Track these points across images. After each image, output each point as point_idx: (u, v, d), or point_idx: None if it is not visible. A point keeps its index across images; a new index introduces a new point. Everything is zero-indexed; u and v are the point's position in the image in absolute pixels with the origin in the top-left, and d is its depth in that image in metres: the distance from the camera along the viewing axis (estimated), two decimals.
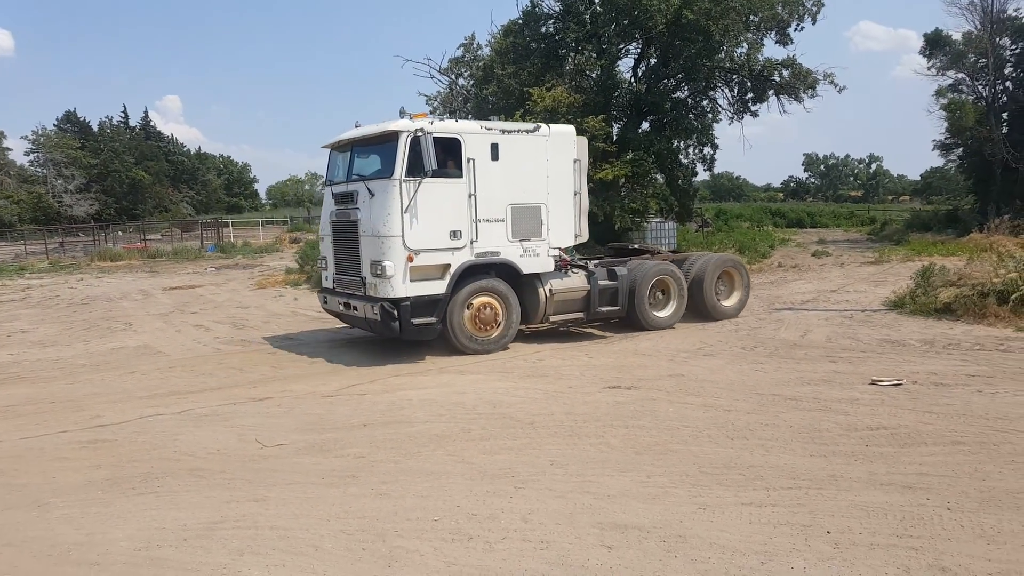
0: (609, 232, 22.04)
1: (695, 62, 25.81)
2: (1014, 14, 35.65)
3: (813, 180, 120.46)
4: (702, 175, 32.52)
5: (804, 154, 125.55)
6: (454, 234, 10.78)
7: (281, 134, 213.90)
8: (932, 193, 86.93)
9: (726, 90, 28.82)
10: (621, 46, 26.78)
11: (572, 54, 26.49)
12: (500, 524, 4.97)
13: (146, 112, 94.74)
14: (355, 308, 11.08)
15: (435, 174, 10.40)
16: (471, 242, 10.95)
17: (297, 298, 19.08)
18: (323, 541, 4.82)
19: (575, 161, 12.23)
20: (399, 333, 10.57)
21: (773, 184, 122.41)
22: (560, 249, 12.05)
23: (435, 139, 10.37)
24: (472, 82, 30.30)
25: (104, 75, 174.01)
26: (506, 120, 19.20)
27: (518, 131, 11.58)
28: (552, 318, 11.97)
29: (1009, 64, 36.24)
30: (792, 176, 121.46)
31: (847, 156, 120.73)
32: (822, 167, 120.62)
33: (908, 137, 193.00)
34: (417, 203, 10.41)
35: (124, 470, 6.37)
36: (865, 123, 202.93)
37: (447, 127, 10.87)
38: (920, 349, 10.53)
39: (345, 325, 12.93)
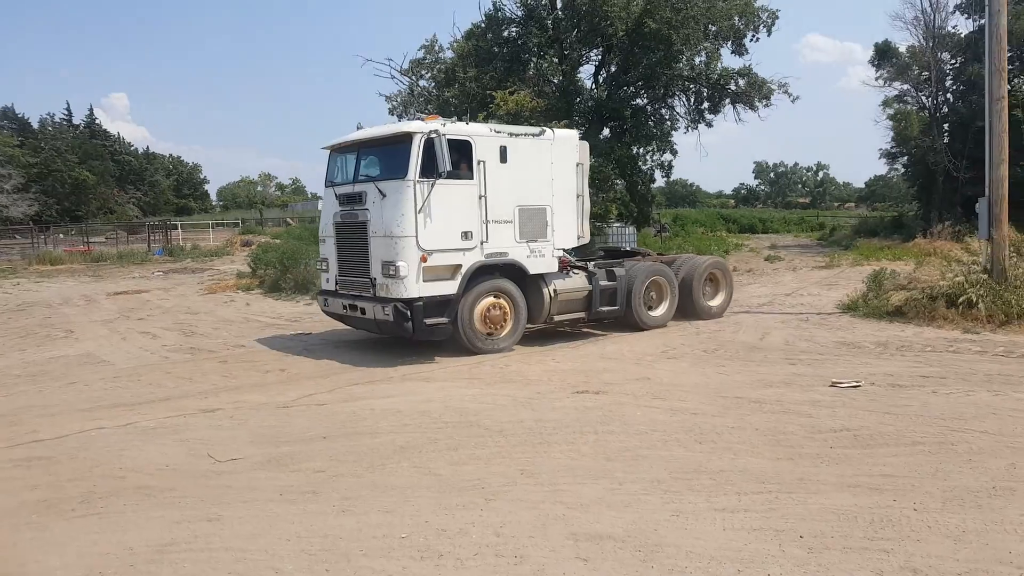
0: None
1: (655, 70, 26.10)
2: (953, 30, 36.91)
3: (763, 187, 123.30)
4: (660, 181, 32.89)
5: (755, 162, 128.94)
6: (465, 235, 10.92)
7: (233, 134, 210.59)
8: (876, 200, 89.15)
9: (684, 98, 29.14)
10: (582, 52, 26.90)
11: (534, 59, 26.50)
12: (471, 539, 4.82)
13: (91, 110, 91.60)
14: (362, 310, 11.08)
15: (448, 175, 10.52)
16: (481, 243, 11.10)
17: (249, 303, 18.68)
18: (283, 563, 4.58)
19: (578, 165, 12.54)
20: (411, 334, 10.63)
21: (725, 191, 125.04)
22: (564, 250, 12.28)
23: (448, 141, 10.47)
24: (434, 84, 30.09)
25: (46, 70, 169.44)
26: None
27: (525, 135, 11.87)
28: (556, 317, 12.20)
29: (949, 77, 37.39)
30: (743, 183, 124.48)
31: (795, 164, 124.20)
32: (772, 175, 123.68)
33: (853, 146, 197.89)
34: (431, 204, 10.50)
35: (63, 490, 5.96)
36: (813, 132, 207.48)
37: (459, 129, 11.00)
38: (875, 351, 10.69)
39: (302, 332, 12.69)
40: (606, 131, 27.58)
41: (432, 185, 10.49)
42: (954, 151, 34.55)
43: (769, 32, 27.50)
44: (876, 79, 38.94)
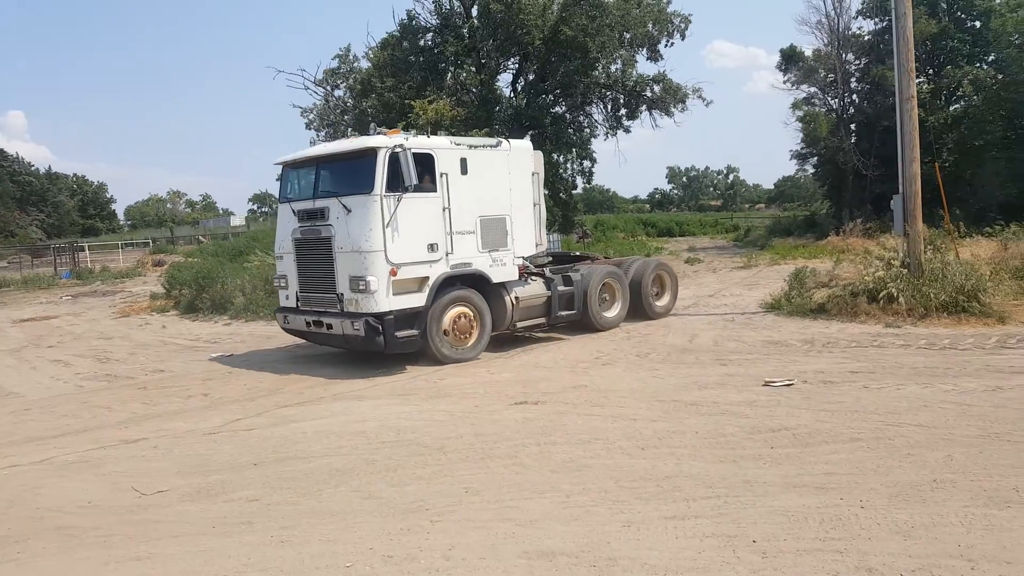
0: None
1: (572, 78, 26.36)
2: (857, 32, 38.34)
3: (676, 191, 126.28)
4: (581, 187, 33.22)
5: (667, 167, 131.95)
6: (431, 247, 11.01)
7: (141, 151, 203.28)
8: (785, 200, 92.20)
9: (602, 106, 29.50)
10: (500, 61, 26.93)
11: (452, 68, 26.43)
12: (420, 565, 4.61)
13: None
14: (329, 326, 10.98)
15: (413, 189, 10.57)
16: (447, 254, 11.20)
17: (165, 325, 17.94)
18: None
19: (533, 174, 12.91)
20: (383, 347, 10.60)
21: (640, 196, 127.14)
22: (523, 258, 12.46)
23: (412, 154, 10.53)
24: (350, 94, 29.69)
25: None
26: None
27: (483, 146, 12.13)
28: (518, 324, 12.42)
29: (854, 79, 38.84)
30: (657, 188, 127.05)
31: (707, 168, 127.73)
32: (684, 179, 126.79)
33: (761, 149, 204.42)
34: (397, 217, 10.54)
35: None
36: (722, 136, 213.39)
37: (422, 143, 11.13)
38: (802, 349, 10.87)
39: (223, 353, 12.19)
40: (526, 139, 27.65)
41: (399, 199, 10.52)
42: (862, 150, 35.88)
43: (683, 36, 28.14)
44: (784, 82, 40.22)
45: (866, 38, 37.95)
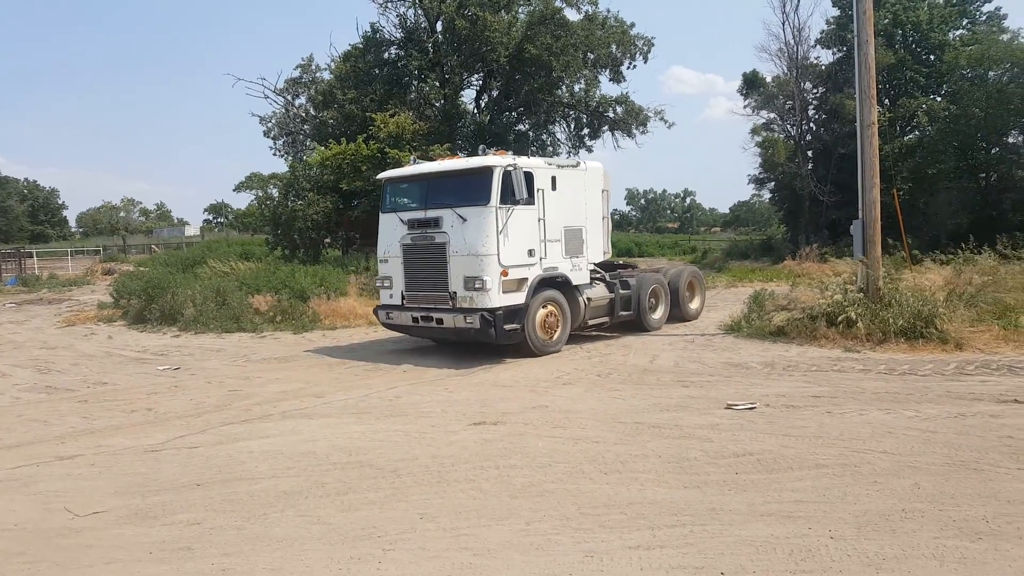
0: None
1: (536, 96, 26.38)
2: (816, 62, 39.06)
3: (635, 213, 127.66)
4: None
5: (626, 189, 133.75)
6: (530, 252, 12.66)
7: (94, 157, 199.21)
8: (740, 224, 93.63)
9: (564, 124, 29.55)
10: (464, 76, 26.82)
11: (415, 82, 26.24)
12: None
13: None
14: (440, 320, 12.42)
15: (519, 202, 12.16)
16: (540, 259, 12.85)
17: (112, 336, 17.32)
18: None
19: (603, 191, 14.78)
20: (494, 339, 12.10)
21: None
22: (593, 264, 14.36)
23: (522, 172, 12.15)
24: (311, 105, 29.32)
25: None
26: (347, 144, 19.19)
27: (568, 166, 14.09)
28: (589, 322, 14.07)
29: (812, 106, 39.52)
30: (616, 209, 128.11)
31: (664, 191, 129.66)
32: (643, 200, 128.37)
33: (718, 173, 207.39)
34: (507, 226, 12.10)
35: None
36: (679, 160, 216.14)
37: (527, 163, 12.79)
38: (763, 372, 10.80)
39: (170, 366, 11.73)
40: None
41: (510, 211, 12.13)
42: (819, 176, 36.41)
43: (645, 59, 28.37)
44: (744, 107, 40.73)
45: (824, 67, 38.68)
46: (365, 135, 22.95)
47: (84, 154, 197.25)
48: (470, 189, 12.36)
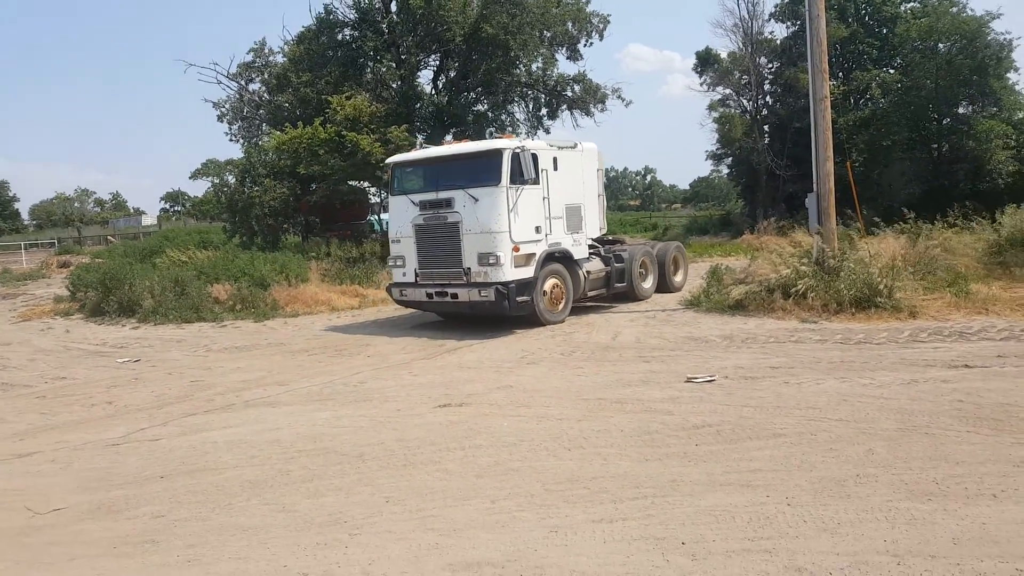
0: None
1: (494, 76, 26.20)
2: (770, 36, 39.37)
3: None
4: None
5: None
6: (537, 229, 13.44)
7: (46, 148, 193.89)
8: (700, 200, 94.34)
9: (523, 104, 29.43)
10: (420, 57, 26.52)
11: (371, 63, 25.91)
12: None
13: None
14: (454, 295, 13.21)
15: (525, 182, 13.01)
16: (546, 235, 13.67)
17: (69, 330, 17.02)
18: None
19: (598, 170, 15.90)
20: (508, 310, 12.91)
21: None
22: (590, 239, 15.30)
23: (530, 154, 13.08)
24: (265, 89, 28.85)
25: None
26: (303, 128, 21.19)
27: (567, 147, 14.81)
28: (588, 294, 14.97)
29: (768, 81, 39.88)
30: None
31: (625, 168, 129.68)
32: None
33: (677, 150, 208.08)
34: (517, 205, 12.88)
35: None
36: (639, 138, 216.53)
37: (533, 145, 13.73)
38: (722, 344, 10.97)
39: (129, 359, 11.57)
40: (448, 137, 27.40)
41: (519, 190, 12.92)
42: (775, 151, 36.83)
43: (601, 37, 28.25)
44: (700, 84, 40.95)
45: (778, 42, 39.00)
46: (322, 118, 22.67)
47: (35, 145, 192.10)
48: (481, 170, 13.09)
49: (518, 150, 12.94)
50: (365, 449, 6.88)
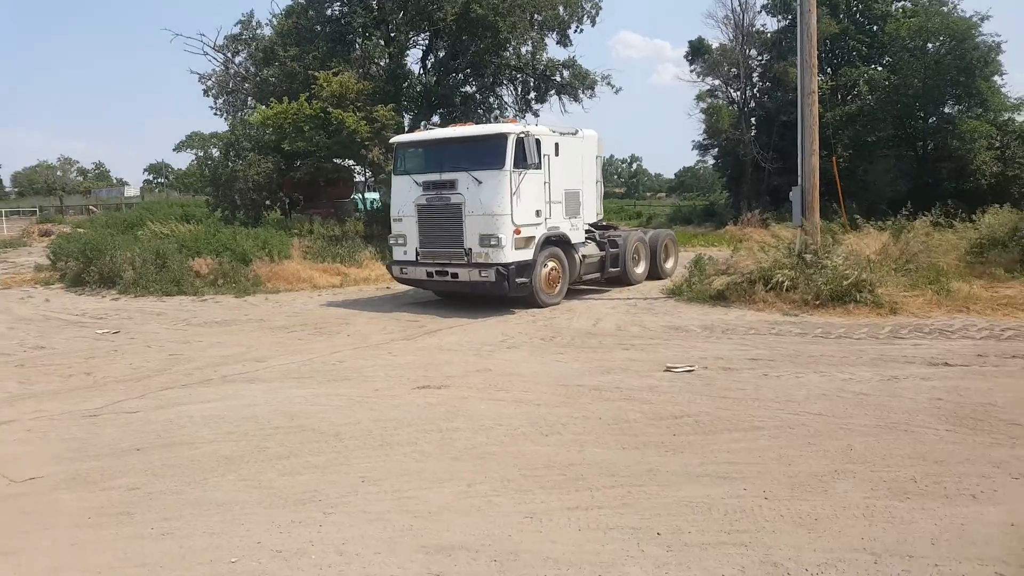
0: None
1: (483, 58, 26.02)
2: (761, 29, 39.38)
3: None
4: None
5: None
6: (537, 212, 13.69)
7: (29, 115, 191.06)
8: (685, 190, 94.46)
9: (511, 87, 29.26)
10: (410, 36, 26.28)
11: (360, 40, 25.64)
12: (311, 560, 4.34)
13: None
14: (455, 275, 13.55)
15: (530, 167, 13.25)
16: (545, 219, 13.92)
17: (49, 299, 16.86)
18: None
19: (597, 157, 16.26)
20: (507, 291, 13.19)
21: None
22: (587, 224, 15.64)
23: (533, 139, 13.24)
24: (251, 62, 28.49)
25: None
26: (289, 103, 21.18)
27: (567, 133, 15.02)
28: (584, 277, 15.32)
29: (756, 74, 39.92)
30: None
31: (611, 156, 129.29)
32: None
33: (663, 139, 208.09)
34: (519, 189, 13.08)
35: None
36: (626, 126, 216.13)
37: (536, 131, 13.75)
38: (702, 335, 11.00)
39: (108, 330, 11.46)
40: (436, 118, 27.26)
41: (522, 174, 13.12)
42: (761, 143, 36.92)
43: (593, 23, 28.13)
44: (690, 72, 40.92)
45: (769, 35, 39.03)
46: (308, 94, 22.45)
47: (19, 112, 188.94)
48: (485, 154, 13.29)
49: (522, 135, 13.14)
50: (342, 428, 6.85)
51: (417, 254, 14.11)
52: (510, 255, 13.06)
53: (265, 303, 15.59)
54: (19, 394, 8.65)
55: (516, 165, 13.06)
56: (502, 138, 13.18)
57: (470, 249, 13.29)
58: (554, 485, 5.37)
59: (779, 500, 5.01)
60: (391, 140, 15.65)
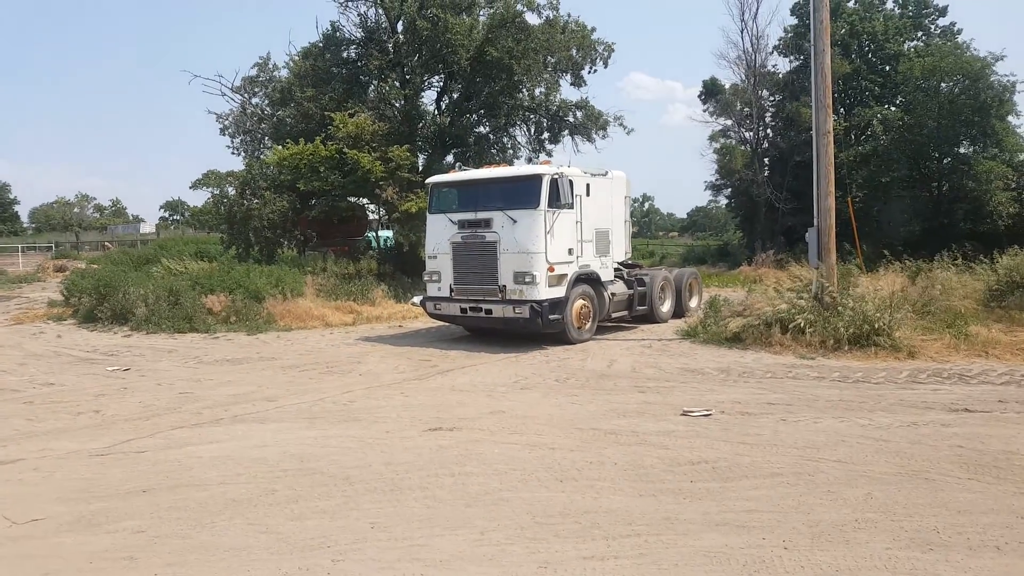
0: (416, 262, 21.50)
1: (497, 99, 26.19)
2: (772, 69, 39.62)
3: None
4: None
5: None
6: (570, 251, 14.13)
7: (48, 152, 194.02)
8: (697, 230, 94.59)
9: (525, 128, 29.40)
10: (425, 77, 26.52)
11: (375, 82, 25.92)
12: None
13: None
14: (488, 311, 13.91)
15: (561, 207, 13.70)
16: (577, 258, 14.36)
17: (61, 335, 16.88)
18: None
19: (625, 197, 16.69)
20: (540, 328, 13.57)
21: None
22: (616, 263, 16.09)
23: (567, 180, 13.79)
24: (268, 103, 28.83)
25: None
26: (305, 144, 21.53)
27: (599, 174, 15.47)
28: (612, 315, 15.65)
29: (769, 114, 40.07)
30: None
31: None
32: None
33: (675, 179, 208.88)
34: (553, 228, 13.56)
35: None
36: (638, 165, 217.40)
37: (569, 172, 14.22)
38: (719, 378, 10.85)
39: (119, 368, 11.41)
40: (450, 157, 27.39)
41: (556, 214, 13.61)
42: (775, 183, 36.91)
43: (606, 64, 28.26)
44: (703, 111, 41.14)
45: (781, 75, 39.26)
46: (323, 135, 22.64)
47: (38, 148, 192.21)
48: (520, 194, 13.80)
49: (556, 176, 13.63)
50: (352, 471, 6.73)
51: (451, 290, 14.50)
52: (544, 292, 13.41)
53: (277, 341, 15.55)
54: (27, 432, 8.57)
55: (550, 205, 13.52)
56: (537, 179, 13.66)
57: (504, 286, 13.68)
58: (569, 533, 5.23)
59: (799, 551, 4.85)
60: (427, 180, 16.09)
